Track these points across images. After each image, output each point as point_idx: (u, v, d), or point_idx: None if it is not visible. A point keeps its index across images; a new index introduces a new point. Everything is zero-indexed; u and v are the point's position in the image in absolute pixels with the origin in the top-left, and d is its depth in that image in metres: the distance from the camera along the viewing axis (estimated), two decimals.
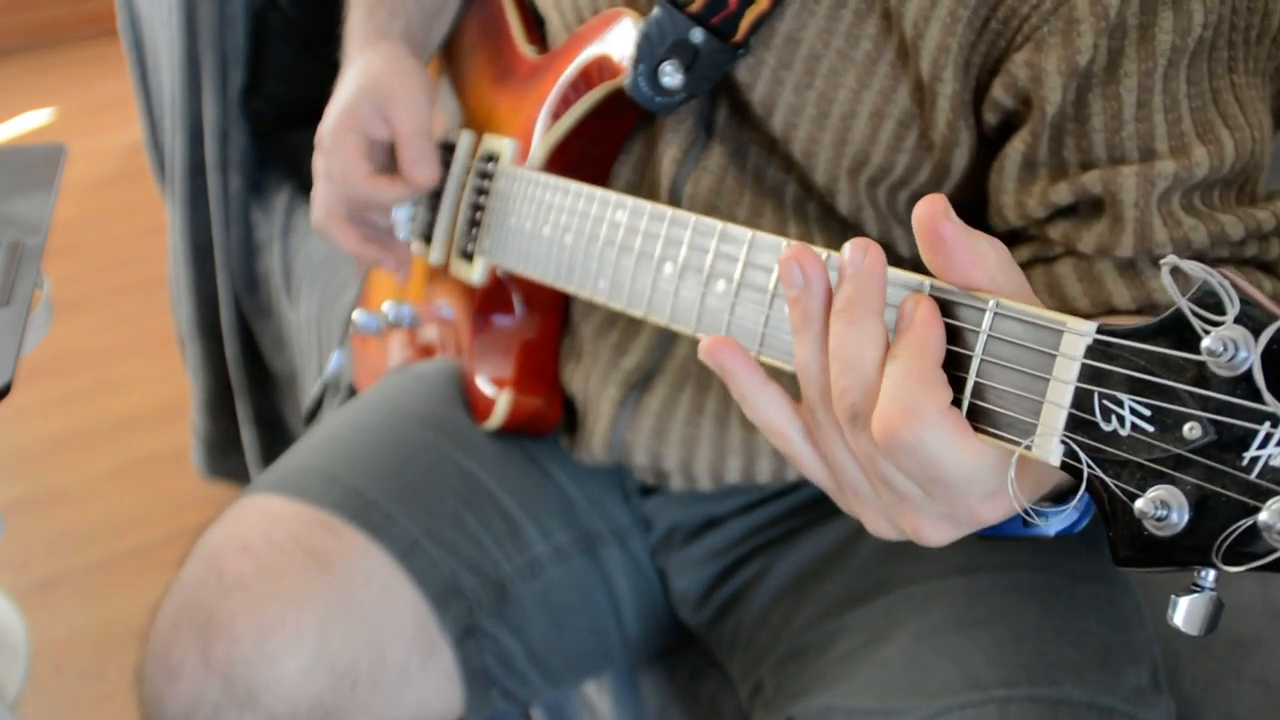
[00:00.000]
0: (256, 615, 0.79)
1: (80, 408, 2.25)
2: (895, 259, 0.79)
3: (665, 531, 0.93)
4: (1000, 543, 0.82)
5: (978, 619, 0.76)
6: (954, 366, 0.51)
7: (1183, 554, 0.43)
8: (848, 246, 0.52)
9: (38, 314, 0.80)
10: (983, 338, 0.50)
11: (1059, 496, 0.56)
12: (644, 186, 0.85)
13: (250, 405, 1.76)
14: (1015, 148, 0.71)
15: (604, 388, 0.86)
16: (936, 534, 0.53)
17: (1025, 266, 0.74)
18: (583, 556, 0.92)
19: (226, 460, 1.87)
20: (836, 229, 0.81)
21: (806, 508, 0.89)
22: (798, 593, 0.86)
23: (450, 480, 0.89)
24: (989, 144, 0.74)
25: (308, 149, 1.72)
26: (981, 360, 0.50)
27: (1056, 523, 0.55)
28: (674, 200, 0.82)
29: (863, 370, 0.51)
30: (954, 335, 0.51)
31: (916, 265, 0.79)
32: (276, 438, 1.77)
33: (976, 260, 0.49)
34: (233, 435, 1.83)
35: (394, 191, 0.89)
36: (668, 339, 0.85)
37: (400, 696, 0.82)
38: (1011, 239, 0.76)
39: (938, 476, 0.50)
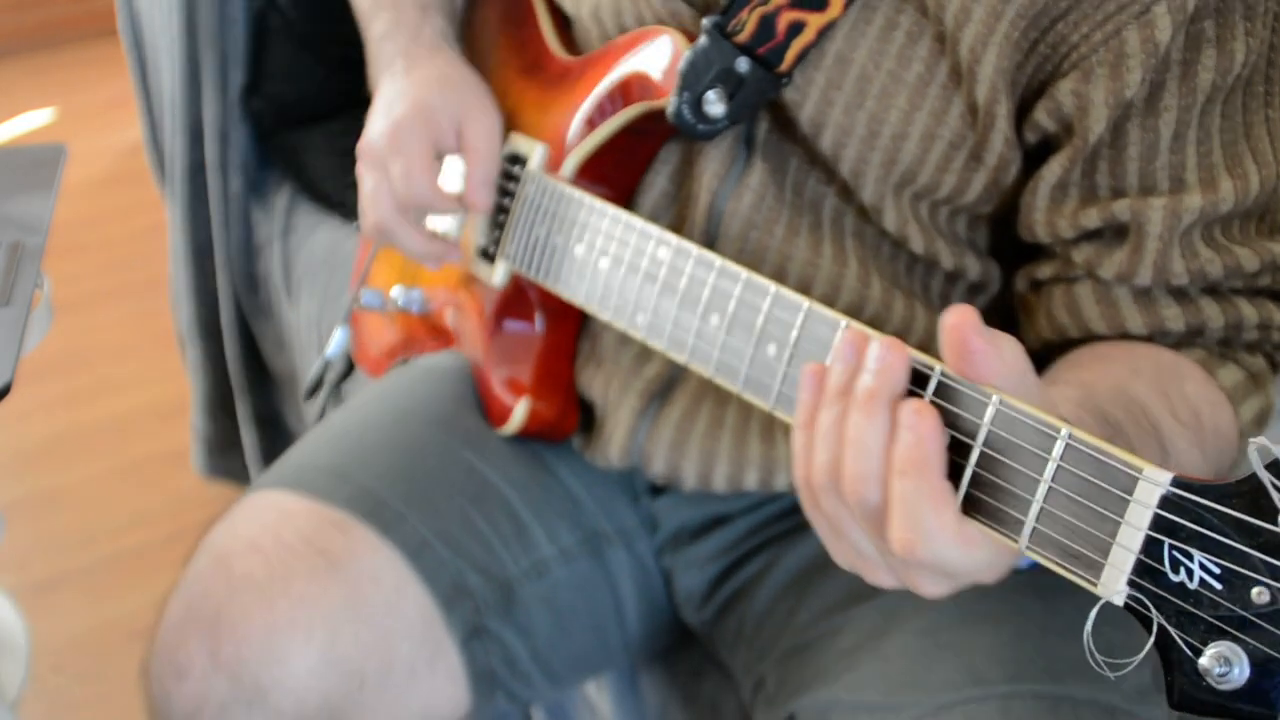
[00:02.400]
0: (266, 614, 0.79)
1: (80, 408, 2.25)
2: (940, 272, 0.80)
3: (673, 531, 0.93)
4: None
5: (981, 615, 0.76)
6: (1022, 488, 0.51)
7: (1240, 708, 0.44)
8: (875, 344, 0.56)
9: (38, 314, 0.80)
10: (1051, 465, 0.51)
11: None
12: (679, 198, 0.85)
13: (250, 405, 1.76)
14: (1052, 170, 0.73)
15: (624, 396, 0.86)
16: (938, 591, 0.57)
17: (1047, 283, 0.77)
18: (588, 558, 0.92)
19: (226, 460, 1.87)
20: (871, 244, 0.81)
21: None
22: (802, 588, 0.86)
23: (459, 479, 0.89)
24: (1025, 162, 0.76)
25: (308, 149, 1.73)
26: (1050, 488, 0.51)
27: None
28: (712, 217, 0.81)
29: (873, 459, 0.54)
30: (1021, 457, 0.52)
31: (958, 276, 0.81)
32: (276, 438, 1.77)
33: (998, 369, 0.53)
34: (233, 435, 1.83)
35: (449, 204, 0.88)
36: None
37: (407, 697, 0.82)
38: (1036, 252, 0.78)
39: (953, 572, 0.55)
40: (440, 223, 0.98)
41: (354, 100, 1.63)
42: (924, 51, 0.73)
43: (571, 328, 0.91)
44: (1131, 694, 0.74)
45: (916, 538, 0.52)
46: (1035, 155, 0.75)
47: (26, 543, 1.91)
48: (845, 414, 0.55)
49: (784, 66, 0.75)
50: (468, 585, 0.85)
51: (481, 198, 0.87)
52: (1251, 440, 0.44)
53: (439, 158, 0.88)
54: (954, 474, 0.54)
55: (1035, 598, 0.78)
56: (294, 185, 1.69)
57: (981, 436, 0.52)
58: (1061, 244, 0.75)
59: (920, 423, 0.53)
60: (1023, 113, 0.73)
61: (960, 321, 0.53)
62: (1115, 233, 0.72)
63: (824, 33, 0.74)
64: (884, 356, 0.55)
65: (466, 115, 0.88)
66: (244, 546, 0.82)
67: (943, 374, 0.54)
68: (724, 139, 0.81)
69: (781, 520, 0.90)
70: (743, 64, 0.76)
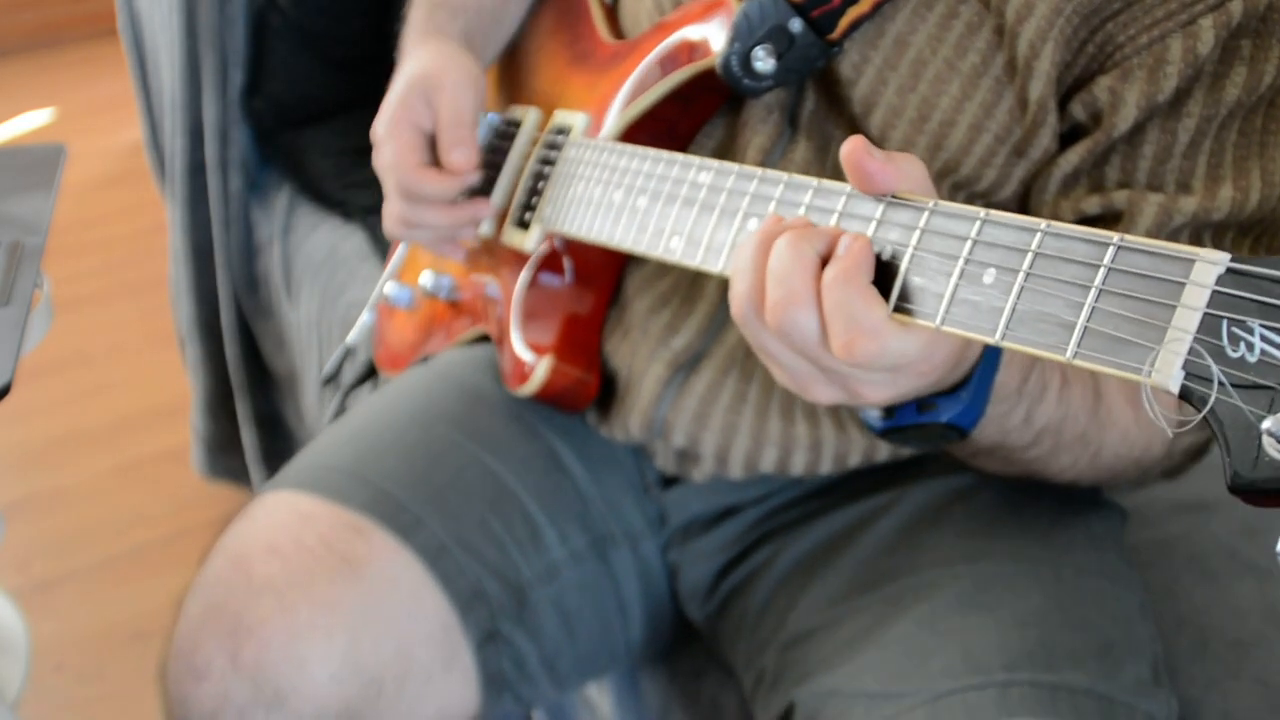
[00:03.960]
0: (287, 619, 0.78)
1: (80, 408, 2.26)
2: None
3: (682, 524, 0.93)
4: (1006, 532, 0.83)
5: (981, 605, 0.77)
6: (1073, 298, 0.51)
7: None
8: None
9: (38, 314, 0.80)
10: (1103, 271, 0.50)
11: (949, 392, 0.64)
12: None
13: (250, 405, 1.76)
14: (1069, 160, 0.74)
15: (650, 365, 0.86)
16: (880, 394, 0.60)
17: None
18: (595, 561, 0.92)
19: (226, 460, 1.87)
20: None
21: (819, 494, 0.90)
22: (805, 578, 0.86)
23: (476, 482, 0.89)
24: None
25: (308, 149, 1.73)
26: (1101, 291, 0.50)
27: (947, 412, 0.64)
28: None
29: (794, 285, 0.58)
30: (1071, 270, 0.51)
31: None
32: (276, 438, 1.77)
33: (901, 179, 0.59)
34: (233, 435, 1.83)
35: (440, 184, 0.88)
36: (719, 323, 0.85)
37: (422, 701, 0.82)
38: None
39: (895, 364, 0.58)
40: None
41: (354, 100, 1.63)
42: (982, 43, 0.74)
43: (601, 294, 0.91)
44: (1131, 685, 0.74)
45: (858, 335, 0.56)
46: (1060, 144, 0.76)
47: (26, 543, 1.91)
48: (770, 248, 0.60)
49: (835, 34, 0.76)
50: (484, 590, 0.85)
51: (455, 160, 0.88)
52: None
53: (429, 140, 0.90)
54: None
55: (1035, 590, 0.78)
56: (294, 185, 1.69)
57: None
58: None
59: (854, 243, 0.58)
60: (1060, 106, 0.74)
61: (854, 148, 0.58)
62: (1107, 221, 0.73)
63: (879, 7, 0.75)
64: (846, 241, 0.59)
65: (432, 88, 0.89)
66: (263, 549, 0.82)
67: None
68: (770, 115, 0.81)
69: (786, 511, 0.91)
70: (795, 24, 0.76)
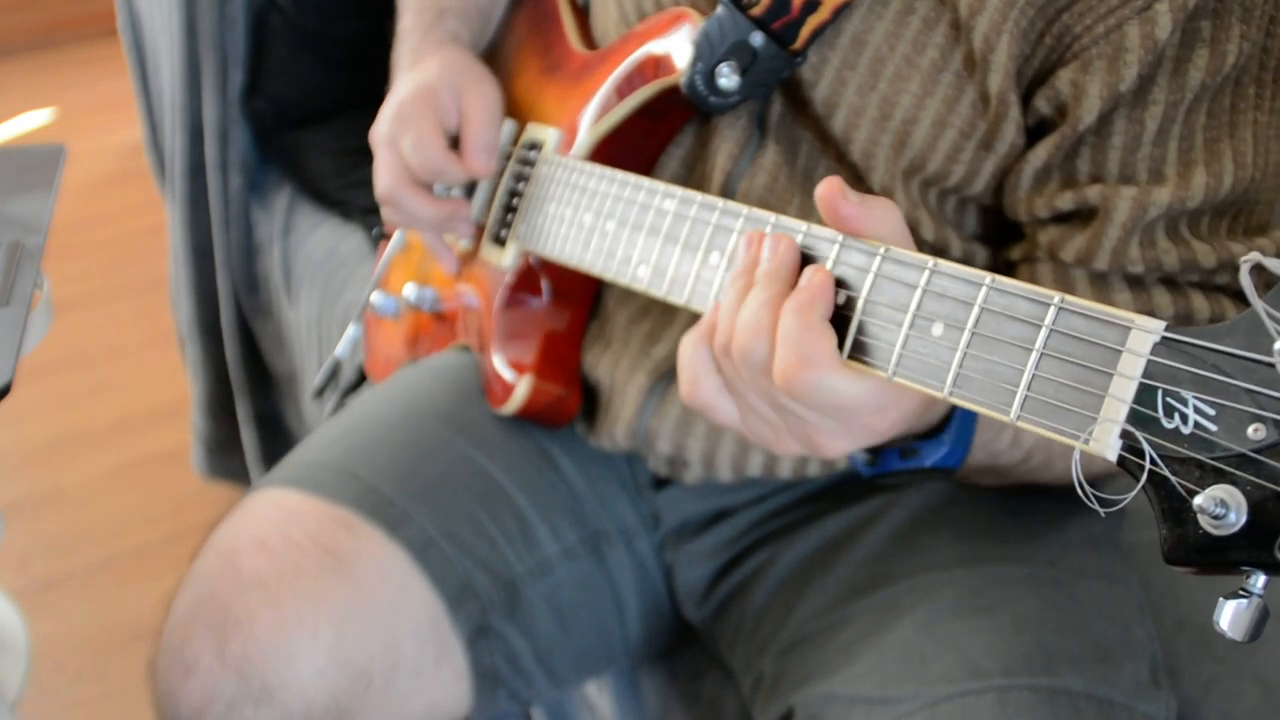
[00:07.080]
0: (274, 613, 0.79)
1: (80, 408, 2.26)
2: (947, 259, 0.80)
3: (676, 525, 0.93)
4: (1004, 535, 0.83)
5: (979, 609, 0.77)
6: (1015, 360, 0.52)
7: (1237, 554, 0.44)
8: (769, 238, 0.63)
9: (38, 314, 0.80)
10: (1044, 332, 0.51)
11: (930, 434, 0.66)
12: (691, 181, 0.85)
13: (250, 405, 1.76)
14: (1038, 155, 0.73)
15: (632, 375, 0.87)
16: (837, 444, 0.62)
17: (1016, 264, 0.78)
18: (590, 557, 0.92)
19: (226, 460, 1.87)
20: None
21: (814, 498, 0.90)
22: (802, 583, 0.86)
23: (466, 478, 0.89)
24: None
25: (308, 149, 1.73)
26: (1042, 354, 0.51)
27: (930, 456, 0.65)
28: (726, 197, 0.82)
29: (760, 324, 0.60)
30: (1014, 329, 0.52)
31: (964, 264, 0.82)
32: (276, 438, 1.77)
33: (872, 224, 0.60)
34: (233, 435, 1.83)
35: (455, 170, 0.90)
36: None
37: (412, 696, 0.82)
38: (1010, 235, 0.79)
39: (841, 406, 0.59)
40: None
41: (354, 100, 1.63)
42: (939, 38, 0.73)
43: (579, 311, 0.91)
44: (1129, 688, 0.74)
45: (797, 363, 0.57)
46: (1028, 139, 0.76)
47: (26, 543, 1.91)
48: (743, 291, 0.62)
49: (798, 44, 0.76)
50: (474, 584, 0.85)
51: (480, 162, 0.89)
52: (1244, 259, 0.44)
53: (446, 134, 0.91)
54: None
55: (1033, 593, 0.78)
56: (294, 185, 1.69)
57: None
58: (1033, 224, 0.76)
59: (815, 276, 0.60)
60: (1025, 100, 0.74)
61: (828, 191, 0.59)
62: (1082, 217, 0.73)
63: (840, 12, 0.75)
64: (775, 246, 0.62)
65: (464, 89, 0.91)
66: (251, 545, 0.82)
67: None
68: (738, 120, 0.81)
69: (782, 515, 0.90)
70: (756, 38, 0.76)
